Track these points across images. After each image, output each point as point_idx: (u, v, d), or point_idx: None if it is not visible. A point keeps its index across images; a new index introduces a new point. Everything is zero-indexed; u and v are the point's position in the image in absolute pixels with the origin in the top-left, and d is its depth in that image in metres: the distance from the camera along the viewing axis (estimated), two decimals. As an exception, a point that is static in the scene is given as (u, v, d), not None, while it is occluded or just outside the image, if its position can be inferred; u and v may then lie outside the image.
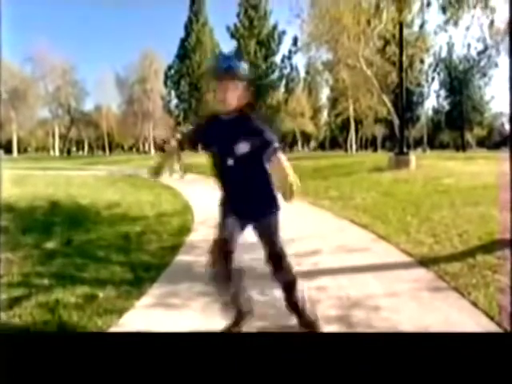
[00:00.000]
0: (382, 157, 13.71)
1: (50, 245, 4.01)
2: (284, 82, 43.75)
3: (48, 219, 5.19)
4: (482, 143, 52.04)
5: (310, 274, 3.17)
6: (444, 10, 5.01)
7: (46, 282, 2.98)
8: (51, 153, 50.86)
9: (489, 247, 3.50)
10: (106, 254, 3.78)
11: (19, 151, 48.70)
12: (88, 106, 60.84)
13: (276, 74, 41.29)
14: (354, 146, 31.97)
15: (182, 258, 3.75)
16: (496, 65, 42.68)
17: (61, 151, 49.88)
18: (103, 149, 57.15)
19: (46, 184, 9.27)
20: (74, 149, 60.33)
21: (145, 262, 3.55)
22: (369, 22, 14.43)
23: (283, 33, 40.36)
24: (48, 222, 5.03)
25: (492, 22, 4.79)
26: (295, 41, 35.34)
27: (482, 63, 43.35)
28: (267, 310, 2.54)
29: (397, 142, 12.12)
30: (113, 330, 2.30)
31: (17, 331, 2.21)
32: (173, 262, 3.61)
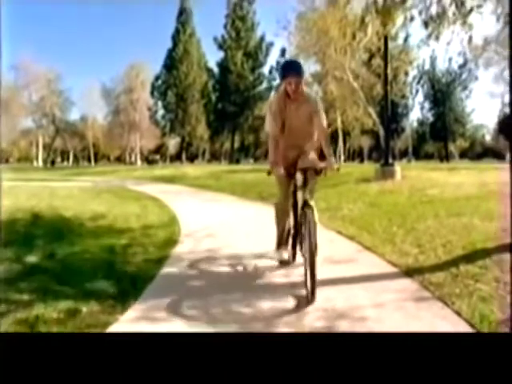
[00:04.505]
0: (369, 168, 13.88)
1: (32, 258, 3.92)
2: (273, 93, 44.20)
3: (30, 232, 5.08)
4: (464, 154, 53.17)
5: (298, 286, 3.16)
6: (426, 24, 5.15)
7: (26, 297, 2.91)
8: (34, 163, 49.99)
9: (471, 257, 3.55)
10: (90, 267, 3.71)
11: (0, 161, 47.89)
12: (74, 116, 60.22)
13: (264, 85, 41.72)
14: (342, 157, 32.25)
15: (167, 270, 3.70)
16: (476, 78, 44.03)
17: (44, 162, 49.12)
18: (89, 159, 56.52)
19: (28, 195, 9.09)
20: (58, 159, 59.52)
21: (130, 275, 3.50)
22: (354, 36, 14.71)
23: (270, 44, 40.98)
24: (30, 234, 4.93)
25: (470, 38, 4.94)
26: (283, 52, 35.83)
27: (463, 76, 44.60)
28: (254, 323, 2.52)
29: (383, 152, 12.28)
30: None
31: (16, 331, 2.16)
32: (158, 274, 3.57)
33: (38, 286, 3.14)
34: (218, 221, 6.37)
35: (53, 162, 49.05)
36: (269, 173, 3.29)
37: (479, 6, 4.64)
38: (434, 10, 5.00)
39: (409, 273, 3.40)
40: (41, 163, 48.68)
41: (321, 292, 2.86)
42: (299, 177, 3.32)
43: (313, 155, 3.45)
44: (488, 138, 62.31)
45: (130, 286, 3.20)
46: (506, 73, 30.96)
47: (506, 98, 39.62)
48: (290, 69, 3.32)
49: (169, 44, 44.21)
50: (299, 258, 3.41)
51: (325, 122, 3.45)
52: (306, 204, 3.12)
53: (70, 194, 10.03)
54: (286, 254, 3.63)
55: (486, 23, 5.90)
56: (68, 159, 60.64)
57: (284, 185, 3.46)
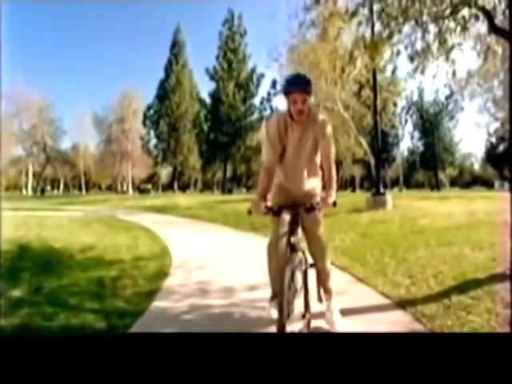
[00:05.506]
0: (361, 197, 13.99)
1: (17, 293, 3.82)
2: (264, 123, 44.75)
3: (16, 264, 4.97)
4: (454, 182, 54.05)
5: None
6: (412, 59, 5.37)
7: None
8: (23, 192, 49.38)
9: (463, 287, 3.55)
10: (78, 301, 3.63)
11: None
12: (65, 144, 60.39)
13: (255, 116, 42.35)
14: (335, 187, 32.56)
15: (158, 304, 3.63)
16: (462, 109, 45.41)
17: (34, 190, 48.57)
18: (79, 188, 56.15)
19: (16, 226, 8.94)
20: (48, 188, 59.01)
21: (119, 308, 3.43)
22: (343, 69, 15.16)
23: (261, 76, 41.92)
24: (16, 267, 4.82)
25: (454, 72, 5.16)
26: (274, 83, 36.61)
27: (450, 107, 45.93)
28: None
29: (374, 182, 12.40)
30: None
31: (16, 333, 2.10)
32: (149, 308, 3.50)
33: (20, 323, 3.05)
34: (210, 252, 6.31)
35: (42, 191, 48.56)
36: (249, 211, 2.56)
37: (460, 44, 4.87)
38: (418, 45, 5.24)
39: (401, 304, 3.38)
40: (30, 192, 48.14)
41: (313, 323, 2.82)
42: (289, 214, 2.71)
43: (313, 188, 2.95)
44: (476, 166, 63.75)
45: (118, 320, 3.13)
46: (489, 104, 32.03)
47: (491, 129, 40.88)
48: (295, 83, 2.61)
49: (161, 74, 45.11)
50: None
51: (331, 147, 2.78)
52: (292, 248, 2.56)
53: (60, 224, 9.90)
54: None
55: (468, 58, 6.18)
56: (58, 188, 60.18)
57: (276, 223, 2.75)
